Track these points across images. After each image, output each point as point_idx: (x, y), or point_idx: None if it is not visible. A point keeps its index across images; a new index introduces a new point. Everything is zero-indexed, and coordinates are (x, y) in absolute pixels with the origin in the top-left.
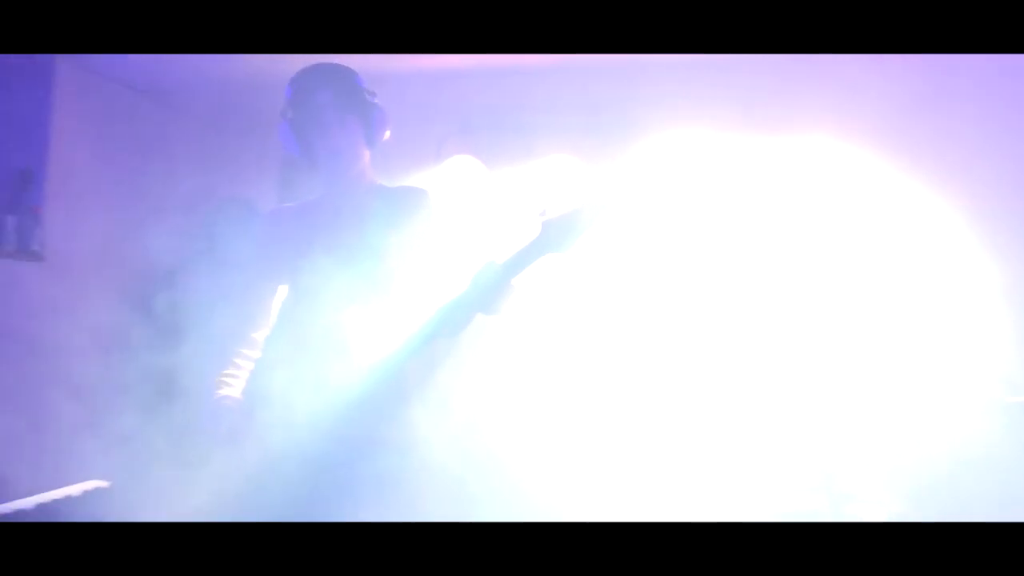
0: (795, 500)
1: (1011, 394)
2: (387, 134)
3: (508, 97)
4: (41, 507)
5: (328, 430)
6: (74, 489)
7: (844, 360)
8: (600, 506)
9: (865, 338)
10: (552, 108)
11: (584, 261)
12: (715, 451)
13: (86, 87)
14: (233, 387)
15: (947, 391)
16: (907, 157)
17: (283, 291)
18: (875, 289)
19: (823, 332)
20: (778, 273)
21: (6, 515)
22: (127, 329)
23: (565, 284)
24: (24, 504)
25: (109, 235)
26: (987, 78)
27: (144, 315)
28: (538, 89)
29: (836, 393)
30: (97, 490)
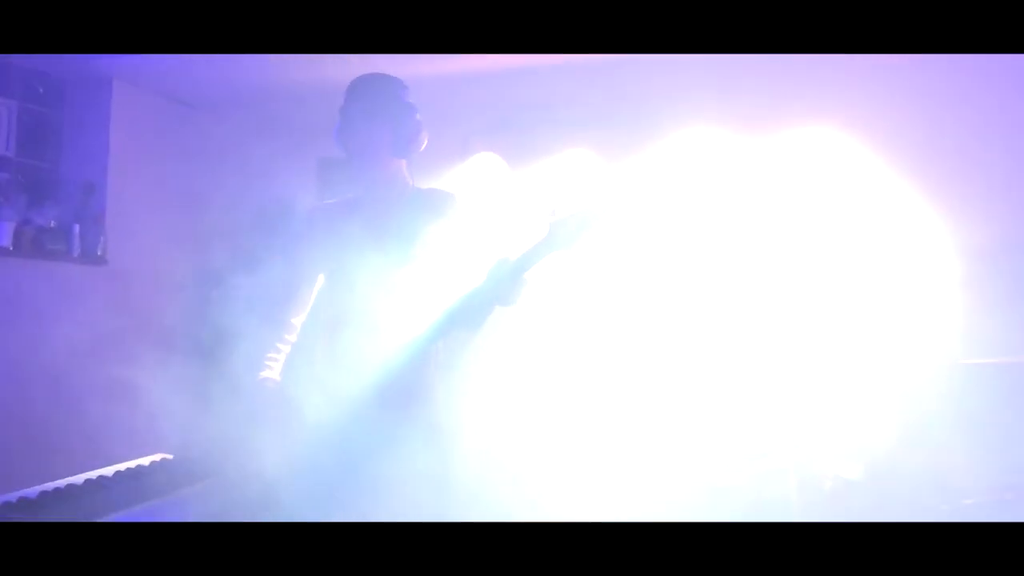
0: (763, 482)
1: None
2: (423, 144)
3: (530, 95)
4: (118, 474)
5: (356, 410)
6: (145, 460)
7: (805, 330)
8: (580, 503)
9: (826, 307)
10: (571, 105)
11: (591, 259)
12: (685, 437)
13: (139, 103)
14: (273, 369)
15: (906, 355)
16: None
17: (321, 280)
18: (834, 260)
19: (789, 304)
20: (758, 260)
21: (87, 482)
22: (183, 324)
23: (571, 280)
24: (105, 471)
25: (164, 238)
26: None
27: (198, 311)
28: (558, 87)
29: (798, 365)
30: (164, 460)
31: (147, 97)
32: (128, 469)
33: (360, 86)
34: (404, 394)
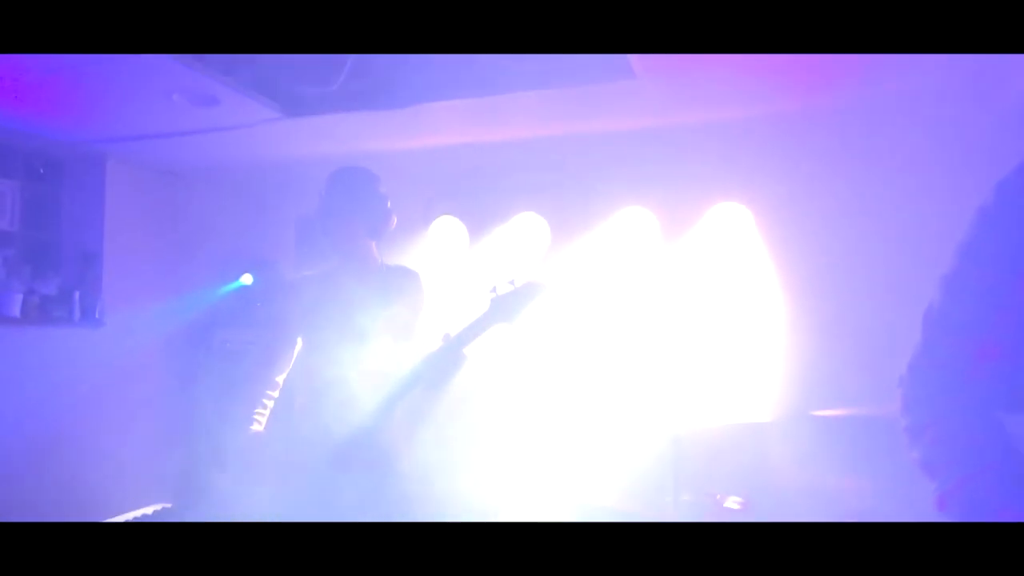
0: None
1: (818, 408)
2: (393, 225)
3: (487, 166)
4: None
5: (331, 461)
6: (148, 509)
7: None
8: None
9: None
10: (525, 175)
11: (528, 332)
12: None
13: (131, 177)
14: (261, 423)
15: (764, 405)
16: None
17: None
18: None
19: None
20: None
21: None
22: (176, 380)
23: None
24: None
25: (157, 301)
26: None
27: (189, 366)
28: (514, 159)
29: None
30: (164, 509)
31: (138, 171)
32: (129, 521)
33: (342, 178)
34: (367, 457)
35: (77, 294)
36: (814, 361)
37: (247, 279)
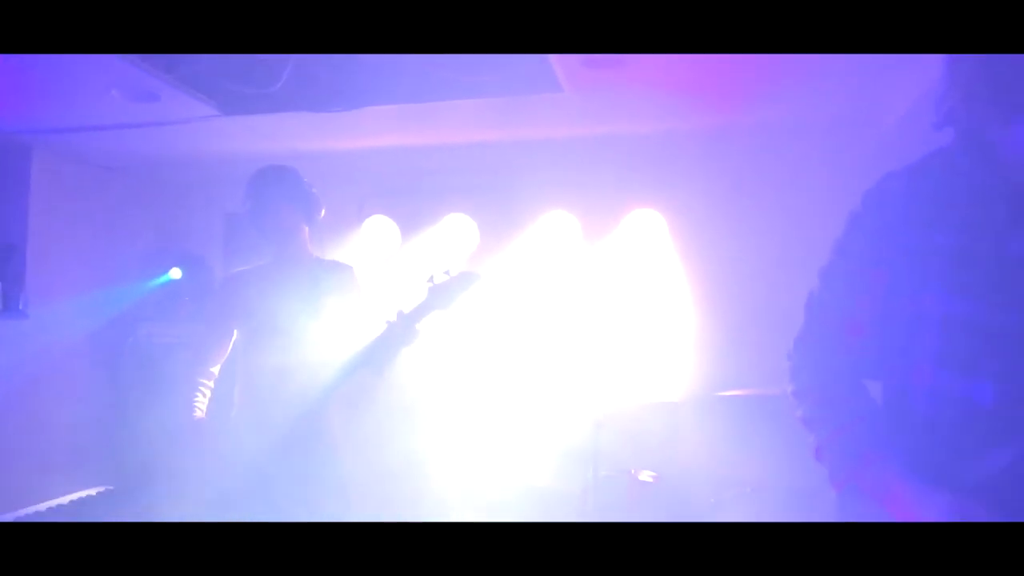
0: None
1: (722, 390)
2: (323, 213)
3: (419, 168)
4: (56, 508)
5: (268, 447)
6: (88, 492)
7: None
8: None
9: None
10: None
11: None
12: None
13: (58, 170)
14: (201, 410)
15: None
16: None
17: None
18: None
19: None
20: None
21: (22, 517)
22: (101, 372)
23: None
24: (40, 507)
25: (83, 293)
26: None
27: (114, 359)
28: (445, 162)
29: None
30: (107, 491)
31: (65, 164)
32: (72, 501)
33: (268, 174)
34: (306, 436)
35: (0, 286)
36: (718, 348)
37: (176, 273)
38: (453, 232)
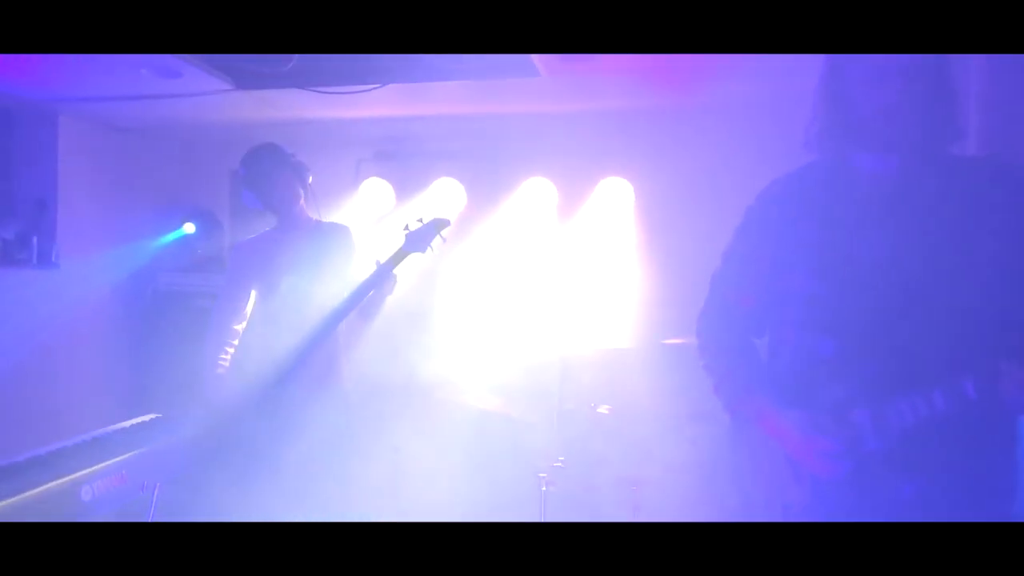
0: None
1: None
2: (311, 179)
3: (412, 135)
4: (125, 429)
5: (283, 386)
6: (145, 417)
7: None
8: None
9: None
10: (446, 145)
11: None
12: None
13: (82, 132)
14: (225, 366)
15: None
16: None
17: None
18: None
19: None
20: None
21: (68, 445)
22: (126, 318)
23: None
24: (84, 436)
25: (108, 247)
26: None
27: (138, 304)
28: (436, 131)
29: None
30: (155, 419)
31: (88, 127)
32: (134, 425)
33: (257, 154)
34: (318, 369)
35: (35, 239)
36: (665, 302)
37: (189, 227)
38: (443, 194)
